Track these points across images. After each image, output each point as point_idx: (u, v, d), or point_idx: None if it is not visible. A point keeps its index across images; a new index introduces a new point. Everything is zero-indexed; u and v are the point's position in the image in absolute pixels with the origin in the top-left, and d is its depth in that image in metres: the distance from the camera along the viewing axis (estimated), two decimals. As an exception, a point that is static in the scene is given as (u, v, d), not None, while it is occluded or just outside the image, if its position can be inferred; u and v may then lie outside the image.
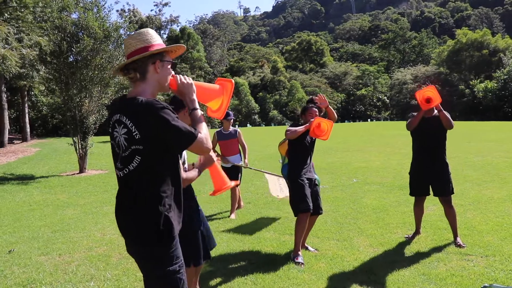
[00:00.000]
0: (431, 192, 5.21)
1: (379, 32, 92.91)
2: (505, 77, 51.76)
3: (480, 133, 24.72)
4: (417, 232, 5.40)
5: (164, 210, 2.16)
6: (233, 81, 2.68)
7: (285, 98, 62.31)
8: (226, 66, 73.12)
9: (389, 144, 18.82)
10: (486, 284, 3.80)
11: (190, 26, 73.52)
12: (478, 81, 56.10)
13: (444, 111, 4.94)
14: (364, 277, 4.14)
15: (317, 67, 74.86)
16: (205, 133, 2.22)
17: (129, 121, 2.15)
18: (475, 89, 54.74)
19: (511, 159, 12.58)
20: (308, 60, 78.03)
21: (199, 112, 2.32)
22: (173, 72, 2.36)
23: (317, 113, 4.89)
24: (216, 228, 6.05)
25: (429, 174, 5.10)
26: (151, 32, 2.30)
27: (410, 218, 6.29)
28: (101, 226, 6.43)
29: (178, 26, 59.79)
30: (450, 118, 4.93)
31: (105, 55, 12.11)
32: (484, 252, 4.76)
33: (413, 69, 65.45)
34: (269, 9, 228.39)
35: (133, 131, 2.13)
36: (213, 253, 4.33)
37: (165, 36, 58.80)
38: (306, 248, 4.97)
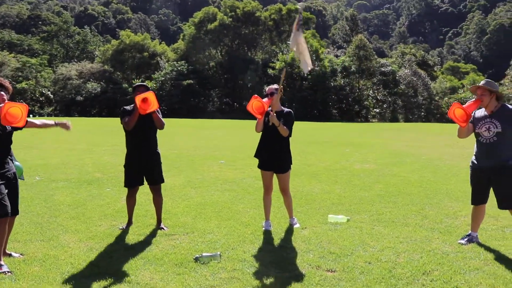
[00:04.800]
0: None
1: (41, 23, 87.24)
2: (162, 78, 57.32)
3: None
4: (130, 222, 5.59)
5: None
6: None
7: None
8: None
9: (66, 141, 18.20)
10: (197, 255, 4.36)
11: None
12: (140, 80, 60.09)
13: (158, 113, 5.28)
14: (88, 271, 4.10)
15: (-35, 54, 64.75)
16: None
17: None
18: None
19: (179, 151, 14.27)
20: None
21: None
22: None
23: (4, 97, 4.26)
24: None
25: (143, 166, 5.40)
26: None
27: (109, 210, 6.46)
28: None
29: None
30: (161, 119, 5.31)
31: None
32: (185, 230, 5.40)
33: (78, 65, 64.54)
34: None
35: None
36: None
37: None
38: (10, 255, 4.47)
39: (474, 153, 4.94)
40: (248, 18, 61.70)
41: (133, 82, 59.52)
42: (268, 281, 3.92)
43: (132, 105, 5.38)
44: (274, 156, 5.52)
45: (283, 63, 48.49)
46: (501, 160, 4.67)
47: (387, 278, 3.94)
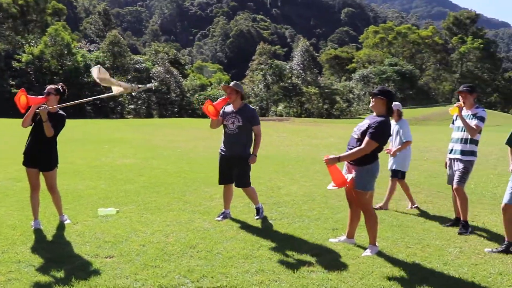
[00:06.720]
0: None
1: None
2: None
3: None
4: None
5: None
6: None
7: None
8: None
9: None
10: None
11: None
12: None
13: None
14: None
15: None
16: None
17: None
18: None
19: None
20: None
21: None
22: None
23: None
24: None
25: None
26: None
27: None
28: None
29: None
30: None
31: None
32: None
33: None
34: None
35: None
36: None
37: None
38: None
39: (222, 142, 5.97)
40: (-15, 2, 54.19)
41: None
42: (49, 276, 4.04)
43: None
44: (39, 153, 5.51)
45: (30, 55, 44.44)
46: (239, 149, 5.78)
47: (161, 255, 4.53)
